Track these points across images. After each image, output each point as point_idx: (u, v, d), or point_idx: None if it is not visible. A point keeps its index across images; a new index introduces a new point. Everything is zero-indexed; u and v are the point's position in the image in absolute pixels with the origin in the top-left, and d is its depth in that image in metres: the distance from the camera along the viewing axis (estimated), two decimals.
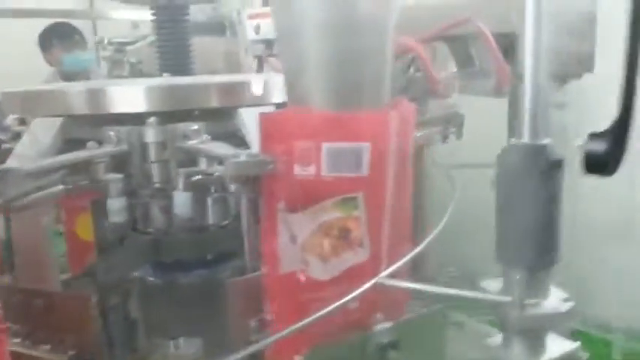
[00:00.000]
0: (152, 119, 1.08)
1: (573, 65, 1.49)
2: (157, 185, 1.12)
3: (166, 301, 1.28)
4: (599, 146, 0.69)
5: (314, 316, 0.86)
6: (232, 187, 0.92)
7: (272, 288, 0.97)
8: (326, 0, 0.88)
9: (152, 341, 1.28)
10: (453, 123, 1.36)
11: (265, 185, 0.92)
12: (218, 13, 3.03)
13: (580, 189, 2.74)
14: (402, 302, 1.06)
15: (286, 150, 0.89)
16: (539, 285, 0.88)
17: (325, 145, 0.88)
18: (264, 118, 0.91)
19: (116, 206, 1.06)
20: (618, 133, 0.66)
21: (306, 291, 0.95)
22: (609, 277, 2.76)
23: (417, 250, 1.01)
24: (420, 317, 1.02)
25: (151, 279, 1.29)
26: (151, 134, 1.08)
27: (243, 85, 1.15)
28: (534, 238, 0.83)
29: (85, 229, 1.43)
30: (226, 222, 1.26)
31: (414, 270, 2.14)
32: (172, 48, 1.42)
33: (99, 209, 1.25)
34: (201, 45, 2.53)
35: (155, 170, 1.11)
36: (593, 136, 0.70)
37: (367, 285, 0.90)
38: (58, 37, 3.26)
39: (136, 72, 2.11)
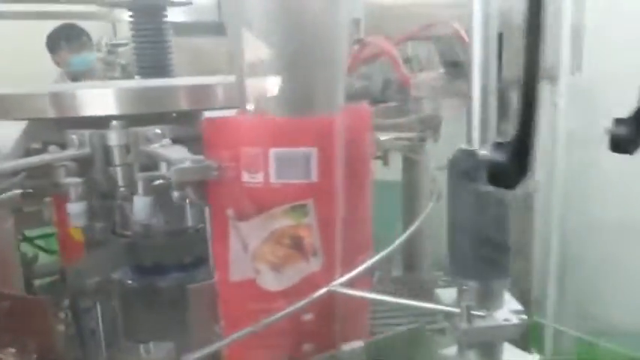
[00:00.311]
0: (115, 122, 1.07)
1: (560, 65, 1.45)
2: (123, 189, 1.11)
3: (140, 305, 1.27)
4: (500, 156, 0.65)
5: (263, 322, 0.84)
6: (176, 194, 0.90)
7: (224, 296, 0.95)
8: (273, 2, 0.86)
9: (123, 345, 1.28)
10: (429, 125, 1.33)
11: (213, 192, 0.90)
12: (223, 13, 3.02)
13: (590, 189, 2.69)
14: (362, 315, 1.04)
15: (233, 156, 0.87)
16: (490, 296, 0.85)
17: (273, 151, 0.86)
18: (208, 124, 0.89)
19: (76, 210, 1.05)
20: (518, 149, 0.62)
21: (258, 300, 0.93)
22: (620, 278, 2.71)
23: (376, 258, 0.98)
24: (396, 336, 0.98)
25: (129, 282, 1.28)
26: (113, 137, 1.07)
27: (210, 88, 1.14)
28: (482, 249, 0.81)
29: (78, 229, 1.43)
30: (202, 225, 1.25)
31: (409, 272, 2.11)
32: (149, 50, 1.41)
33: None
34: (204, 45, 2.52)
35: (119, 174, 1.10)
36: (496, 146, 0.66)
37: (320, 292, 0.88)
38: (65, 39, 3.29)
39: (127, 73, 2.11)
